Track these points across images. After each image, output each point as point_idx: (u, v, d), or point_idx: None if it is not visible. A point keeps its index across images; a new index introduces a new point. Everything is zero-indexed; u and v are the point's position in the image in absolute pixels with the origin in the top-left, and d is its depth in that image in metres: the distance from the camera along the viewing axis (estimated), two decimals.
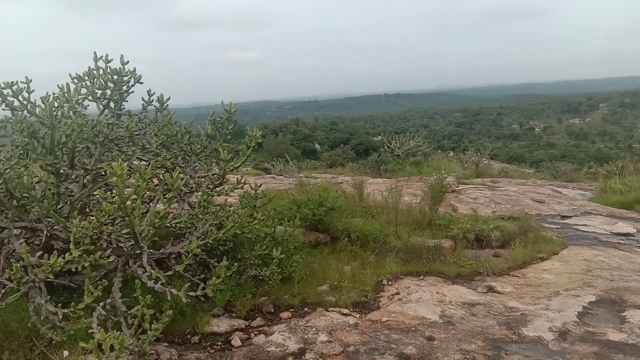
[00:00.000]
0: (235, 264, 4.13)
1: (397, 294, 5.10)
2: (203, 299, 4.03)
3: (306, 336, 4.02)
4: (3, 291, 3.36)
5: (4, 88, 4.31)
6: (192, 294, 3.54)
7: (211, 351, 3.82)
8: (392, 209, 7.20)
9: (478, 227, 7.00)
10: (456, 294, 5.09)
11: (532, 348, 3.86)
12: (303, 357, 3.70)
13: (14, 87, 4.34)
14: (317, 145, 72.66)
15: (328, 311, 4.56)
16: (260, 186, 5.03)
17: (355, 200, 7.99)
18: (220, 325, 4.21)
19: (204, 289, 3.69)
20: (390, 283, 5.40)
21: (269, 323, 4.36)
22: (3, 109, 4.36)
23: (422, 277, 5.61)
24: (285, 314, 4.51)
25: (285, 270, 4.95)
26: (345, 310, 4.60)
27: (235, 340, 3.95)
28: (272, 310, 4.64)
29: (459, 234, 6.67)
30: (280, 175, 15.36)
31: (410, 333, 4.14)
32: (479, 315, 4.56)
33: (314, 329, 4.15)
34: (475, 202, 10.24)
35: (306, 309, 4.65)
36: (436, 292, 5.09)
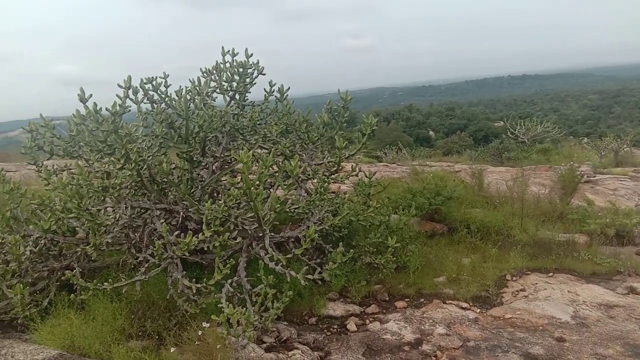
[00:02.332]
0: (351, 250, 4.17)
1: (523, 290, 4.77)
2: (320, 282, 4.14)
3: (422, 327, 3.93)
4: (146, 265, 3.78)
5: (145, 83, 4.79)
6: (309, 277, 3.64)
7: (328, 333, 3.92)
8: (517, 200, 6.73)
9: (619, 221, 6.29)
10: (591, 294, 4.62)
11: None
12: (420, 347, 3.63)
13: (154, 82, 4.80)
14: (431, 132, 70.51)
15: (445, 304, 4.41)
16: (374, 174, 5.00)
17: (474, 189, 7.61)
18: (336, 309, 4.29)
19: (320, 272, 3.79)
20: (514, 279, 5.07)
21: (384, 311, 4.35)
22: (145, 102, 4.83)
23: (551, 273, 5.19)
24: (400, 303, 4.46)
25: (400, 259, 4.90)
26: (464, 304, 4.42)
27: (351, 325, 4.00)
28: (387, 298, 4.62)
29: (596, 229, 6.03)
30: (393, 163, 15.19)
31: (538, 332, 3.84)
32: (618, 319, 4.11)
33: (430, 321, 4.04)
34: (614, 193, 9.15)
35: (422, 300, 4.56)
36: (568, 291, 4.66)
